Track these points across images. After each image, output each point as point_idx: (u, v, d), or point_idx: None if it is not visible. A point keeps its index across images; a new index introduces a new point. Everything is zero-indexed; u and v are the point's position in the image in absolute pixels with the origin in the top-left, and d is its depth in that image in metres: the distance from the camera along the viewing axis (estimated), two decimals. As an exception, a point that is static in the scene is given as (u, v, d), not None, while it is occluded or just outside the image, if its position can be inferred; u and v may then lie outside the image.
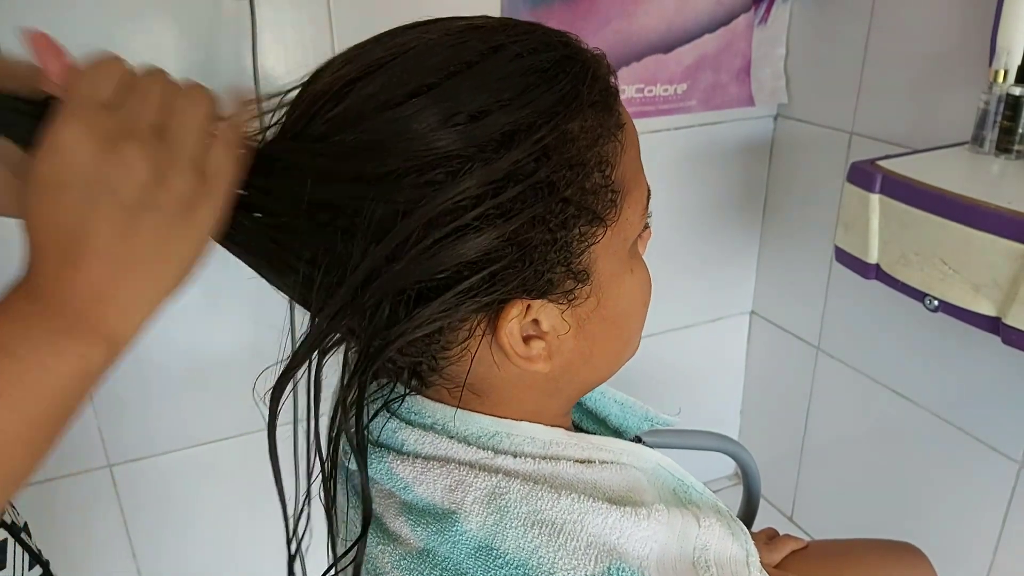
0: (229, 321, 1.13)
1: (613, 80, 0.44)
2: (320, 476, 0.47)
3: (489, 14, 0.44)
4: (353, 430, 0.44)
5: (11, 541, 0.65)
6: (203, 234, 0.38)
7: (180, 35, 0.98)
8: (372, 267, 0.38)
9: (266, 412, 0.44)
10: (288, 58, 1.03)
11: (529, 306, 0.42)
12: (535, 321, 0.43)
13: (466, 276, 0.39)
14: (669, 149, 1.35)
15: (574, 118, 0.40)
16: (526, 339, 0.43)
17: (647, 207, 0.46)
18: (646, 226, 0.47)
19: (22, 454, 0.33)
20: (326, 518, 0.48)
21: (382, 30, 0.44)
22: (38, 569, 0.67)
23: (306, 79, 0.43)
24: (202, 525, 1.25)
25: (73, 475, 1.11)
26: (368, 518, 0.45)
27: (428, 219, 0.37)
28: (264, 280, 0.44)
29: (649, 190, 0.47)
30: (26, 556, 0.66)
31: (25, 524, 0.69)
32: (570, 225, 0.41)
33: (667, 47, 1.25)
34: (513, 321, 0.42)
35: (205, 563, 1.28)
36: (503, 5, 1.13)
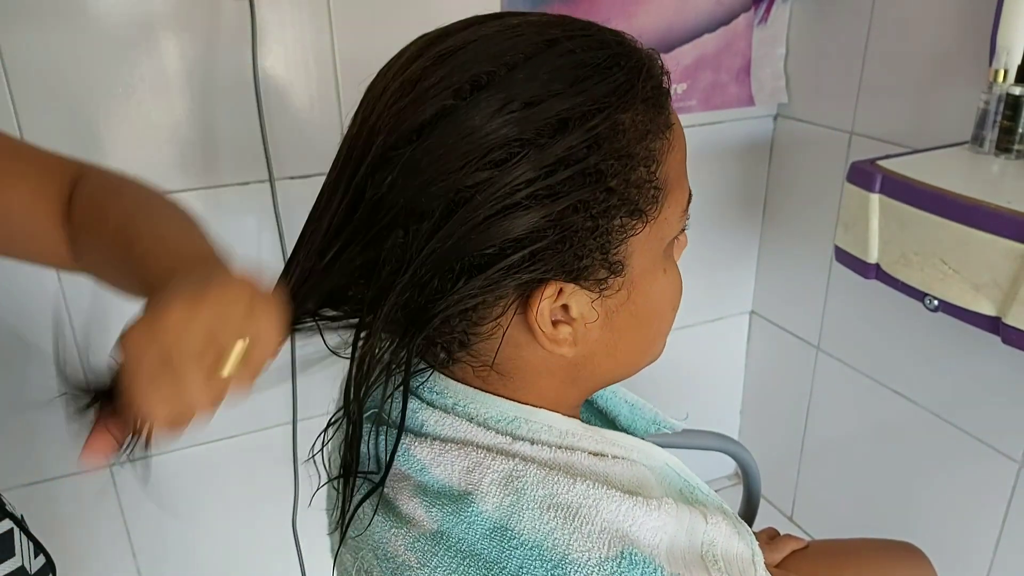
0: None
1: (666, 81, 0.45)
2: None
3: (577, 18, 0.45)
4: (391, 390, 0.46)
5: (16, 531, 0.67)
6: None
7: (180, 35, 0.98)
8: (435, 247, 0.40)
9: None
10: (288, 58, 1.03)
11: (562, 289, 0.43)
12: (565, 307, 0.44)
13: (509, 253, 0.41)
14: (669, 149, 1.34)
15: (626, 110, 0.41)
16: (555, 323, 0.44)
17: (687, 210, 0.48)
18: (682, 230, 0.49)
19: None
20: (343, 480, 0.49)
21: (382, 30, 0.45)
22: (42, 558, 0.68)
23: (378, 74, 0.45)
24: (202, 524, 1.25)
25: (74, 475, 1.11)
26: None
27: (486, 199, 0.39)
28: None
29: (691, 194, 0.48)
30: (31, 545, 0.68)
31: (22, 516, 0.70)
32: (611, 214, 0.42)
33: (667, 47, 1.25)
34: (545, 301, 0.43)
35: (205, 562, 1.28)
36: (503, 5, 1.13)
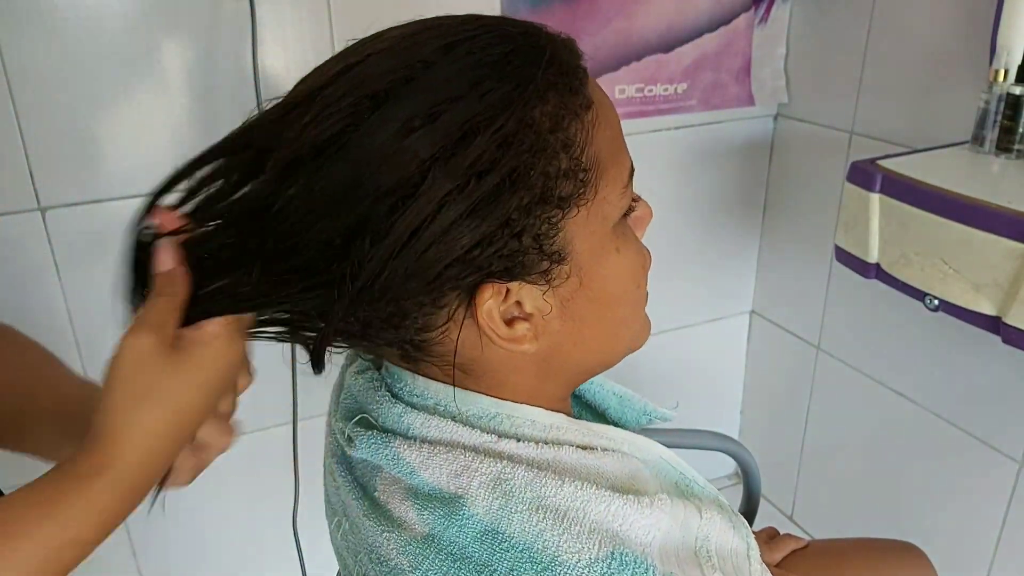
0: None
1: (580, 62, 0.44)
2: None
3: (486, 15, 0.44)
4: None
5: None
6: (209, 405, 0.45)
7: (180, 35, 0.98)
8: (347, 270, 0.40)
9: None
10: (288, 58, 1.03)
11: (508, 289, 0.42)
12: (518, 303, 0.43)
13: (437, 268, 0.40)
14: (669, 149, 1.35)
15: (532, 104, 0.40)
16: (510, 321, 0.43)
17: (629, 184, 0.46)
18: (632, 206, 0.47)
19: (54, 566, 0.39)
20: None
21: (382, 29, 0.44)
22: None
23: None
24: (202, 524, 1.25)
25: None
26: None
27: (408, 230, 0.38)
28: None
29: (632, 167, 0.46)
30: None
31: None
32: (537, 210, 0.41)
33: (667, 47, 1.25)
34: (489, 303, 0.42)
35: (205, 562, 1.28)
36: (503, 5, 1.13)
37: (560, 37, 0.44)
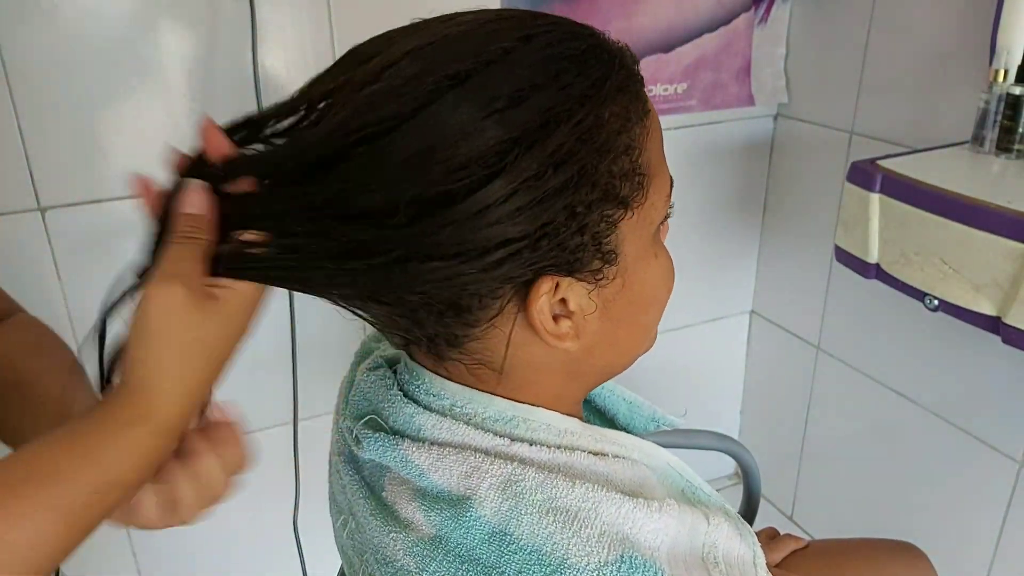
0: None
1: (639, 70, 0.46)
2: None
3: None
4: None
5: None
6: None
7: (180, 35, 0.98)
8: (416, 246, 0.39)
9: None
10: (288, 58, 1.03)
11: (558, 284, 0.43)
12: (563, 301, 0.44)
13: (500, 254, 0.40)
14: (669, 149, 1.33)
15: (605, 103, 0.41)
16: (554, 318, 0.44)
17: (670, 194, 0.48)
18: (667, 215, 0.48)
19: (92, 515, 0.40)
20: None
21: (383, 30, 0.44)
22: None
23: (335, 64, 0.44)
24: (202, 524, 1.25)
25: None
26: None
27: (478, 206, 0.38)
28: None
29: (672, 179, 0.48)
30: None
31: None
32: (600, 206, 0.42)
33: (667, 47, 1.25)
34: (543, 298, 0.42)
35: (205, 562, 1.28)
36: (503, 4, 1.13)
37: (620, 43, 0.45)
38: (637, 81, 0.45)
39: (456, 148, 0.38)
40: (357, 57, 0.43)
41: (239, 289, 0.41)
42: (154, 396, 0.40)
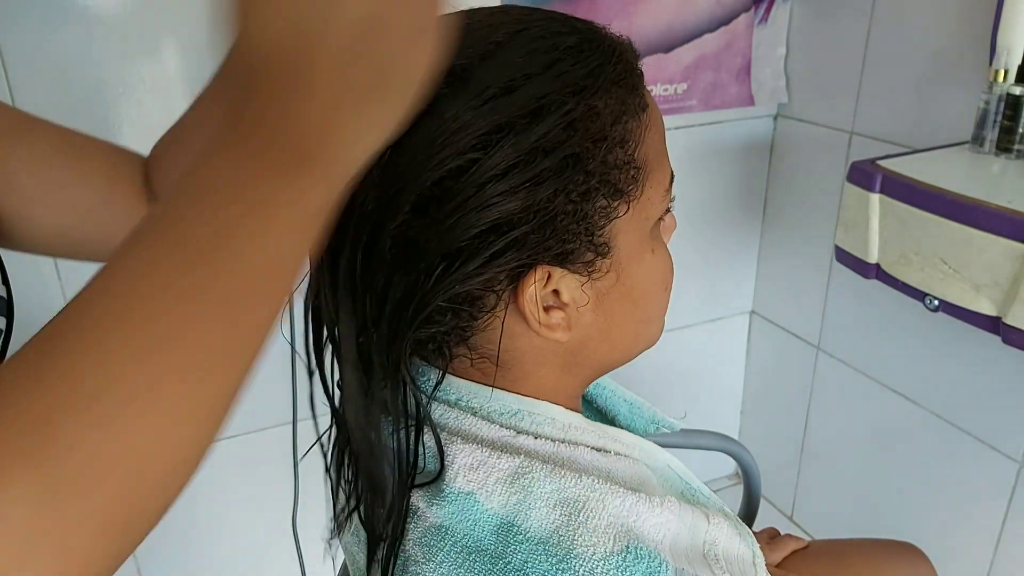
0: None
1: (639, 65, 0.46)
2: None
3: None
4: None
5: None
6: (427, 62, 0.33)
7: (180, 35, 0.98)
8: (416, 238, 0.41)
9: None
10: (288, 58, 1.03)
11: (550, 275, 0.43)
12: (555, 292, 0.44)
13: (493, 241, 0.41)
14: (669, 149, 1.34)
15: (599, 93, 0.42)
16: (546, 309, 0.44)
17: (669, 189, 0.48)
18: (668, 210, 0.48)
19: (262, 306, 0.29)
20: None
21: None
22: None
23: None
24: (202, 524, 1.25)
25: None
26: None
27: (467, 187, 0.39)
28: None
29: (673, 174, 0.48)
30: None
31: None
32: (592, 196, 0.42)
33: (667, 47, 1.25)
34: (534, 286, 0.43)
35: (205, 562, 1.28)
36: (503, 3, 1.13)
37: (621, 38, 0.46)
38: (636, 75, 0.45)
39: (453, 138, 0.39)
40: None
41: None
42: (328, 141, 0.30)
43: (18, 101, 0.93)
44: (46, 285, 1.02)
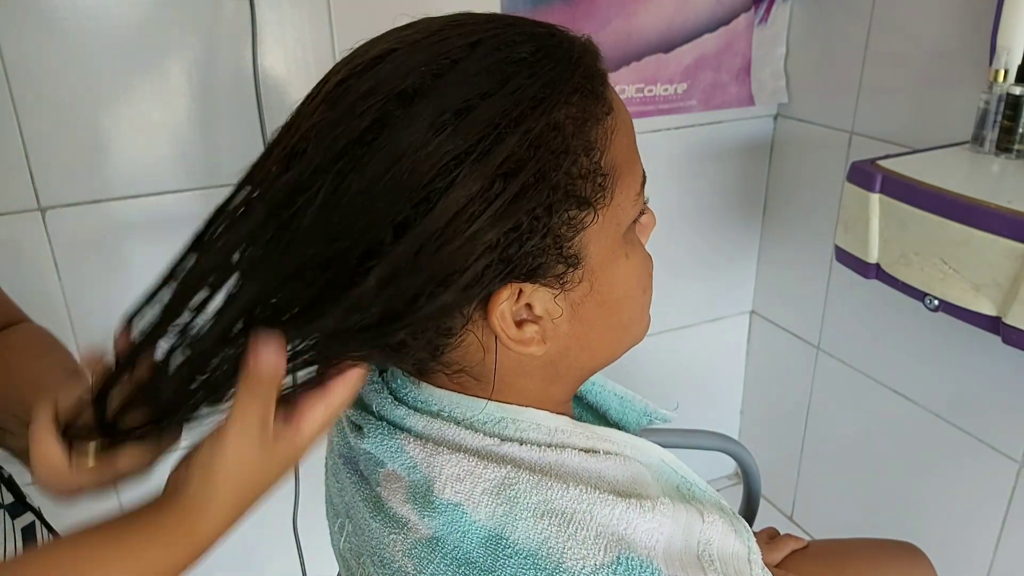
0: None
1: (602, 66, 0.44)
2: None
3: (507, 14, 0.44)
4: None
5: (37, 523, 0.67)
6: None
7: (180, 35, 0.98)
8: (380, 276, 0.39)
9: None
10: (288, 58, 1.03)
11: (521, 291, 0.42)
12: (528, 305, 0.43)
13: (461, 272, 0.39)
14: (669, 149, 1.35)
15: (559, 105, 0.40)
16: (520, 323, 0.43)
17: (641, 192, 0.46)
18: (643, 211, 0.47)
19: None
20: None
21: (383, 30, 0.44)
22: (29, 515, 0.67)
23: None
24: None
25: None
26: None
27: (432, 224, 0.38)
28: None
29: (644, 175, 0.47)
30: (51, 536, 0.68)
31: (39, 508, 0.70)
32: (558, 210, 0.41)
33: (667, 47, 1.25)
34: (504, 304, 0.42)
35: (205, 562, 1.27)
36: (503, 5, 1.13)
37: (582, 39, 0.44)
38: (598, 79, 0.43)
39: (411, 172, 0.38)
40: (321, 82, 0.43)
41: (306, 433, 0.42)
42: (204, 524, 0.42)
43: (18, 102, 0.93)
44: (46, 285, 1.02)
